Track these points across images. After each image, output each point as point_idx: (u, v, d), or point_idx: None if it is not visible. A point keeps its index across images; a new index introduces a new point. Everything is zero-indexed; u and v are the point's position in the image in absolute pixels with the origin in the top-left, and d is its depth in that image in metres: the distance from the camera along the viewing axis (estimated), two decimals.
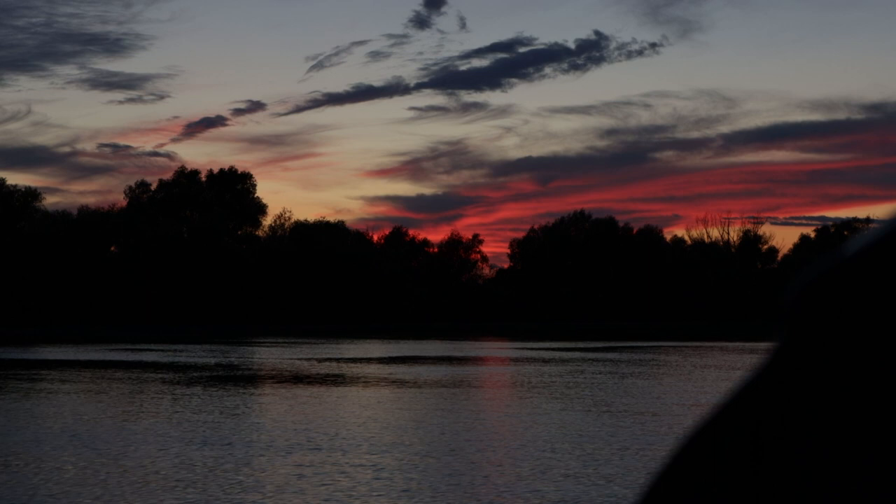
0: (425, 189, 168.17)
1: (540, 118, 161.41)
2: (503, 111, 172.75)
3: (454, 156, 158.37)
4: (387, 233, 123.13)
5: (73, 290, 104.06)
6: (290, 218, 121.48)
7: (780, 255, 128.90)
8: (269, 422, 22.61)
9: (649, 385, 33.59)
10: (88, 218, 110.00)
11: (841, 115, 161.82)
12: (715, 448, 0.61)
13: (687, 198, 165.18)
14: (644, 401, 28.00)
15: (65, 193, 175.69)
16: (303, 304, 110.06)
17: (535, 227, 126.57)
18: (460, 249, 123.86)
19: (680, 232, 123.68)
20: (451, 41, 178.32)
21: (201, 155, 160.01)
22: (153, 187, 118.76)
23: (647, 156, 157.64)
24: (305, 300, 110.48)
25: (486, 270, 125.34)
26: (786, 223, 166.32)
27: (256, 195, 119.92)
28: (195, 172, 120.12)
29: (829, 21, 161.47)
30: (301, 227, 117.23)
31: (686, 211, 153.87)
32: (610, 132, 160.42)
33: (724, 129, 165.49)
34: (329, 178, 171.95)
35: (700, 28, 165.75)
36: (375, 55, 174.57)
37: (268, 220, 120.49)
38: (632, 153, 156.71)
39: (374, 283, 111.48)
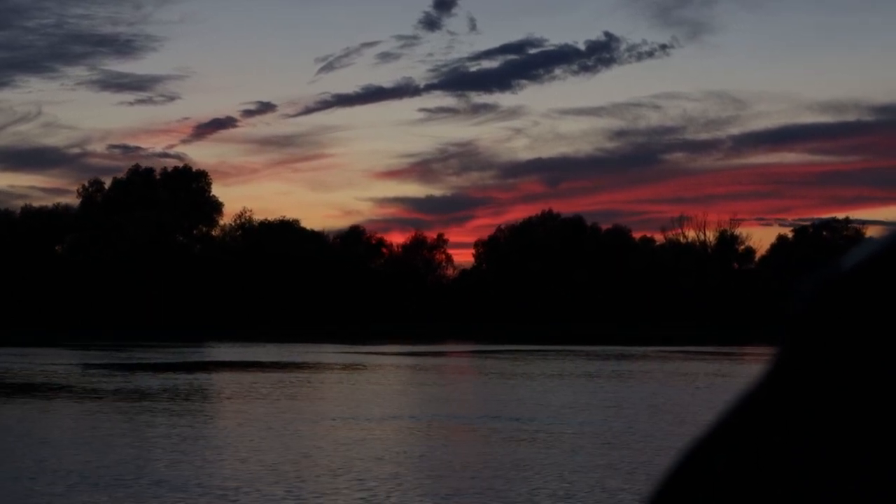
0: (435, 190, 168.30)
1: (549, 120, 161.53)
2: (513, 112, 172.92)
3: (464, 157, 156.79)
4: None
5: (13, 291, 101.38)
6: (250, 218, 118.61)
7: (758, 255, 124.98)
8: None
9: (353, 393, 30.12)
10: (32, 217, 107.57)
11: (851, 117, 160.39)
12: (720, 454, 0.61)
13: (696, 199, 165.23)
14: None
15: (75, 195, 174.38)
16: (252, 306, 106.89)
17: (502, 226, 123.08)
18: (423, 250, 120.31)
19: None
20: (460, 42, 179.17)
21: (211, 156, 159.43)
22: (107, 186, 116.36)
23: (656, 157, 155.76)
24: (255, 302, 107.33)
25: (451, 271, 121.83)
26: (794, 225, 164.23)
27: (212, 193, 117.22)
28: (150, 170, 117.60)
29: (839, 23, 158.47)
30: (252, 226, 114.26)
31: (695, 213, 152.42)
32: (619, 134, 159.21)
33: (734, 130, 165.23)
34: (339, 180, 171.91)
35: (710, 30, 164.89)
36: (385, 56, 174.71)
37: (227, 220, 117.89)
38: (641, 155, 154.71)
39: (327, 284, 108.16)
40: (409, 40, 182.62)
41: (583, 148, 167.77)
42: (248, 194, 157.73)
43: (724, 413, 0.61)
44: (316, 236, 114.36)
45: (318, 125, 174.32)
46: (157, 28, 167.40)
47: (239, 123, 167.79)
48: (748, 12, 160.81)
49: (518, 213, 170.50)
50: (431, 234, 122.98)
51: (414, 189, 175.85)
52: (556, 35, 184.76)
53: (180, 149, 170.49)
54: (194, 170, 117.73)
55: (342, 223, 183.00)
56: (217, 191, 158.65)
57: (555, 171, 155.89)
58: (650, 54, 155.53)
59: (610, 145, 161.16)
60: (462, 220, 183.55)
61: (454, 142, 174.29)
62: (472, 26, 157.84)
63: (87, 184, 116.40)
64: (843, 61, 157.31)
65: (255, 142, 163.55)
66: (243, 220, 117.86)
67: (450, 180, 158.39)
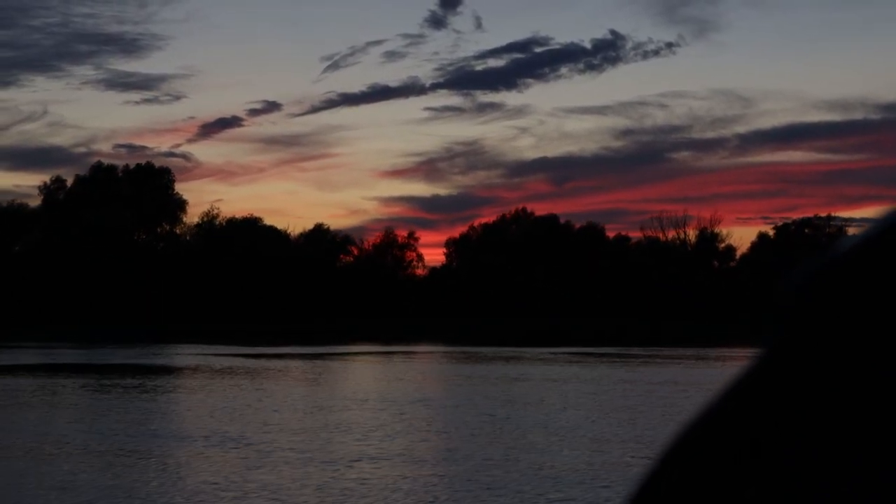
0: (440, 189, 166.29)
1: (555, 118, 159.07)
2: (519, 111, 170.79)
3: (469, 156, 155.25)
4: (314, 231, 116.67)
5: None
6: (218, 215, 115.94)
7: (739, 253, 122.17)
8: None
9: None
10: None
11: (857, 115, 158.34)
12: (708, 445, 0.59)
13: (702, 198, 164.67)
14: None
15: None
16: (215, 305, 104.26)
17: (475, 224, 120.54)
18: (394, 249, 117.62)
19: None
20: (466, 41, 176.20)
21: (217, 156, 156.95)
22: (69, 183, 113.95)
23: (662, 156, 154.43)
24: (218, 301, 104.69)
25: (421, 270, 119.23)
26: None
27: (176, 191, 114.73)
28: (112, 168, 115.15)
29: (845, 20, 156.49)
30: (214, 224, 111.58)
31: (701, 212, 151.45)
32: (625, 132, 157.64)
33: (740, 129, 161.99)
34: (344, 179, 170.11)
35: (716, 28, 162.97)
36: (391, 55, 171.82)
37: (194, 218, 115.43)
38: (647, 153, 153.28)
39: (290, 282, 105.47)
40: (415, 39, 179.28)
41: (589, 147, 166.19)
42: (255, 194, 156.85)
43: (710, 407, 0.59)
44: (279, 234, 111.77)
45: (323, 124, 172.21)
46: (163, 27, 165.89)
47: (245, 122, 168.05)
48: (754, 10, 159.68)
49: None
50: (403, 233, 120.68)
51: (420, 188, 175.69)
52: (561, 33, 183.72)
53: (186, 148, 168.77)
54: (157, 167, 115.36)
55: (348, 222, 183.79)
56: (223, 190, 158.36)
57: (561, 170, 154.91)
58: (656, 53, 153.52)
59: (616, 144, 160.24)
60: (468, 219, 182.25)
61: (460, 141, 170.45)
62: (478, 25, 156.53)
63: (48, 181, 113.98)
64: (850, 59, 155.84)
65: (261, 141, 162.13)
66: (210, 216, 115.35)
67: (456, 179, 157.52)
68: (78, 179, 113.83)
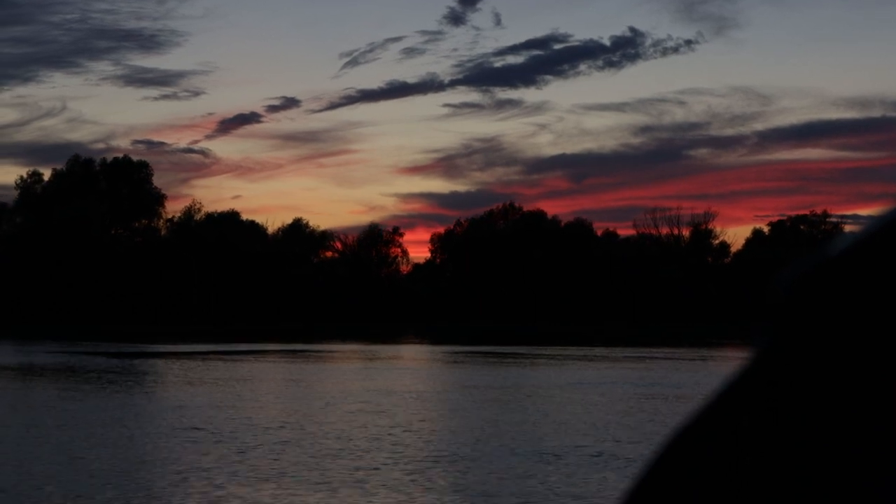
0: (459, 186, 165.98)
1: (574, 115, 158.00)
2: (538, 108, 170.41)
3: (488, 153, 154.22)
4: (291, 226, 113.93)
5: None
6: (199, 210, 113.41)
7: (734, 250, 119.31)
8: None
9: None
10: None
11: (876, 113, 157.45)
12: (702, 447, 0.59)
13: (721, 195, 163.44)
14: None
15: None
16: (192, 302, 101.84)
17: (462, 220, 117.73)
18: (379, 245, 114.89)
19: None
20: (485, 38, 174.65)
21: (235, 152, 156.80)
22: (46, 177, 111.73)
23: (681, 153, 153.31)
24: (194, 297, 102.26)
25: (405, 267, 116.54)
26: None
27: (154, 185, 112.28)
28: (90, 161, 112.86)
29: (863, 18, 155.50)
30: (190, 218, 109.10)
31: (720, 209, 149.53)
32: (644, 129, 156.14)
33: (759, 126, 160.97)
34: (363, 176, 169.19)
35: (735, 25, 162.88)
36: (410, 52, 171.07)
37: (173, 214, 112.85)
38: (666, 150, 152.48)
39: (266, 279, 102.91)
40: (434, 35, 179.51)
41: (608, 144, 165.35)
42: (273, 190, 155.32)
43: (705, 407, 0.59)
44: (257, 229, 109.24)
45: (342, 120, 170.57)
46: (181, 23, 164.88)
47: (263, 119, 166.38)
48: (773, 7, 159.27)
49: (543, 209, 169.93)
50: (388, 229, 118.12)
51: (438, 185, 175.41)
52: (580, 30, 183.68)
53: (204, 144, 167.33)
54: (135, 160, 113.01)
55: (366, 219, 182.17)
56: (241, 186, 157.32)
57: (579, 166, 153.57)
58: (675, 50, 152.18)
59: (635, 141, 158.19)
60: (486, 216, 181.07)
61: (478, 137, 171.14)
62: (497, 21, 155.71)
63: (25, 175, 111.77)
64: (869, 56, 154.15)
65: (280, 137, 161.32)
66: (192, 211, 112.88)
67: (474, 176, 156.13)
68: (55, 173, 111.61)
